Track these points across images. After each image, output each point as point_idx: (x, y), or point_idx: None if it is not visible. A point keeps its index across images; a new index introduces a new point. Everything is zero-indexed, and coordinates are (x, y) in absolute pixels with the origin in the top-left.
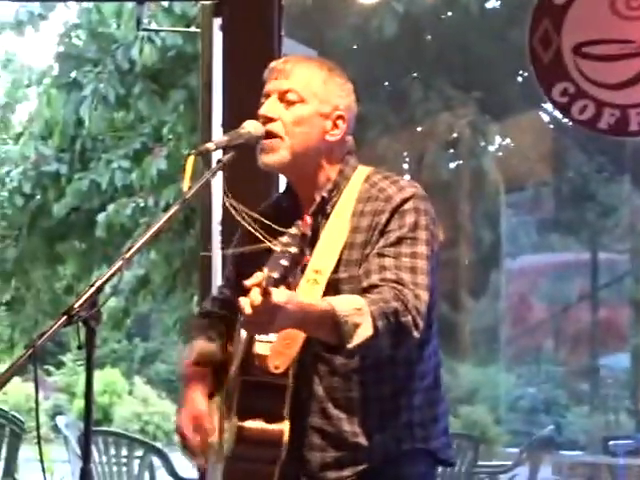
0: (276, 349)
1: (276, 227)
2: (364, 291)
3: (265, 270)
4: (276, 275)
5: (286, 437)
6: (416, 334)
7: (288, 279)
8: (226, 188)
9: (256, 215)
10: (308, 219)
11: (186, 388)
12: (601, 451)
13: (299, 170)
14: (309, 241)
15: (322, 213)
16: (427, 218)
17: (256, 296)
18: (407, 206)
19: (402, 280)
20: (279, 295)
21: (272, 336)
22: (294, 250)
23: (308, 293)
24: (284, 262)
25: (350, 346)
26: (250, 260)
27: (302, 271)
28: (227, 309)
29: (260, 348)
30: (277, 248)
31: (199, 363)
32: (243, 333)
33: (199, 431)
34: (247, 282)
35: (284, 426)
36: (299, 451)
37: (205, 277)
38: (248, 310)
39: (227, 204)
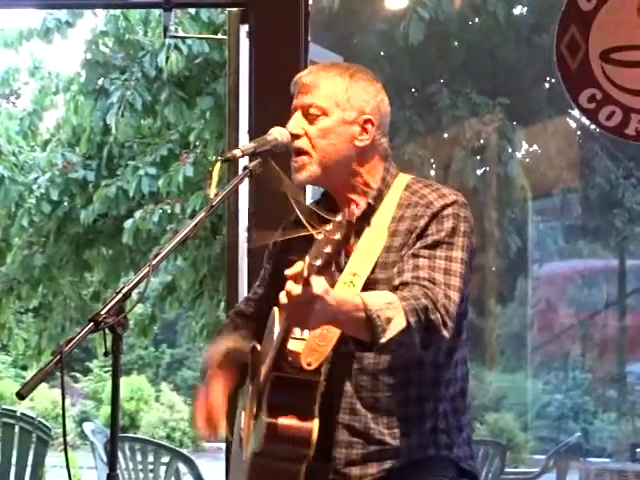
0: (309, 346)
1: (327, 216)
2: (395, 288)
3: (307, 258)
4: (318, 262)
5: (315, 435)
6: (445, 333)
7: (331, 266)
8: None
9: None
10: (354, 208)
11: (208, 379)
12: (629, 458)
13: (333, 179)
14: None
15: (363, 219)
16: (466, 225)
17: (295, 286)
18: (447, 212)
19: (434, 279)
20: (318, 285)
21: (305, 333)
22: (338, 237)
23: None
24: (327, 249)
25: (384, 340)
26: (291, 255)
27: (340, 271)
28: (260, 309)
29: (293, 345)
30: (319, 236)
31: (227, 356)
32: (276, 331)
33: (209, 423)
34: (287, 271)
35: (314, 424)
36: (326, 448)
37: (232, 283)
38: (284, 300)
39: (284, 187)
